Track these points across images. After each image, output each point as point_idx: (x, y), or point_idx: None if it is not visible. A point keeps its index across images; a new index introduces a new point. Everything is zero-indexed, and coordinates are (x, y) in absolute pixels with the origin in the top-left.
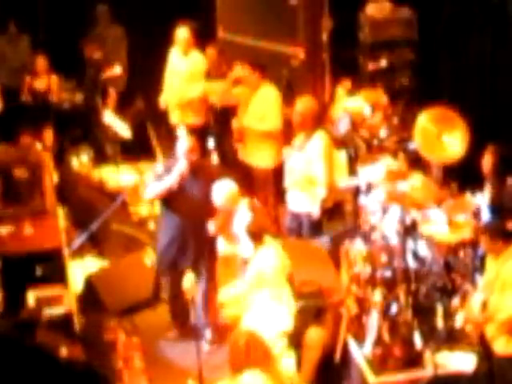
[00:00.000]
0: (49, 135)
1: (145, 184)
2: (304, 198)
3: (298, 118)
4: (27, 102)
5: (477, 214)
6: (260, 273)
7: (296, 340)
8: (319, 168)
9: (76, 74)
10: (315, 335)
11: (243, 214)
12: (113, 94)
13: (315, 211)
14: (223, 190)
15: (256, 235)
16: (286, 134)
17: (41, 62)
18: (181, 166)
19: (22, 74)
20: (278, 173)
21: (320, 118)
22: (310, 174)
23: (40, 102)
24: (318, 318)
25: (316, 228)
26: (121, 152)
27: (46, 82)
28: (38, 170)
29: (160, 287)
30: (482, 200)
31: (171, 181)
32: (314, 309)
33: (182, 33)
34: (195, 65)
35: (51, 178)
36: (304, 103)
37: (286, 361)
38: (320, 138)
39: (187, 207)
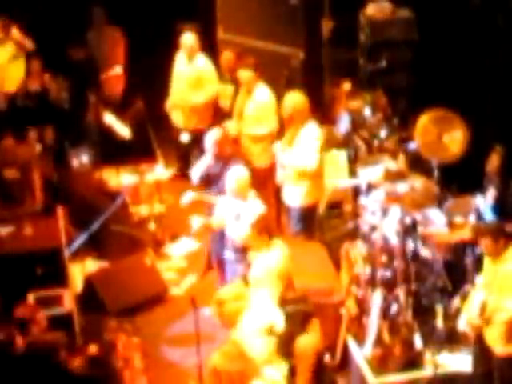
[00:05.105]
0: (49, 135)
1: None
2: (297, 191)
3: (286, 114)
4: (23, 103)
5: (477, 215)
6: (266, 272)
7: (286, 349)
8: (311, 159)
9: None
10: (306, 343)
11: (254, 206)
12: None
13: (305, 203)
14: (236, 175)
15: (263, 230)
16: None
17: (33, 64)
18: (215, 134)
19: None
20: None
21: (309, 113)
22: (301, 166)
23: (36, 103)
24: (304, 325)
25: (306, 219)
26: (121, 152)
27: (39, 82)
28: (28, 170)
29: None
30: (482, 201)
31: (209, 157)
32: (299, 315)
33: (189, 39)
34: (201, 70)
35: (40, 177)
36: (292, 99)
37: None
38: (310, 130)
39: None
